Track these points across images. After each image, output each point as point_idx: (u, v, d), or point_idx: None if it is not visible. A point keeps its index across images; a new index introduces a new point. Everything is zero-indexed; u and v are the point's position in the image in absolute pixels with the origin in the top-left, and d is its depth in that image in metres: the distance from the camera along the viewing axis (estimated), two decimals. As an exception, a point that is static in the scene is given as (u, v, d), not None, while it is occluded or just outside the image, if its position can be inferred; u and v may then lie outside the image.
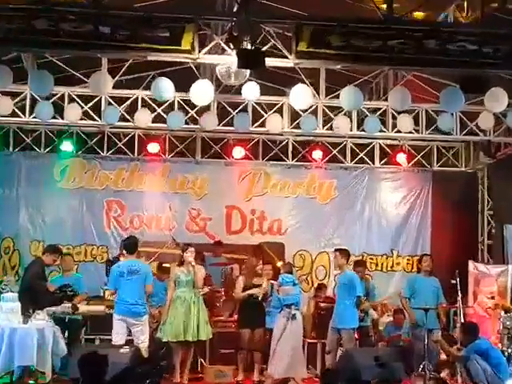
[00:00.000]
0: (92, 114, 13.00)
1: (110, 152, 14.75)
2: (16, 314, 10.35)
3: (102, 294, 12.88)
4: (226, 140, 14.85)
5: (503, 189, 14.94)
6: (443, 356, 11.65)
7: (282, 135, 14.51)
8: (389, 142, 14.93)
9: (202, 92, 11.02)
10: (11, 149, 14.57)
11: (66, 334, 11.13)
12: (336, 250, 12.36)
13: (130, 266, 10.85)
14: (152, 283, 11.01)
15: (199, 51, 10.03)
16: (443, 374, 11.45)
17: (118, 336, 10.68)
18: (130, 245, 11.30)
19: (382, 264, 15.15)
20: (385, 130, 13.56)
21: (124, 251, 11.58)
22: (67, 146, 14.40)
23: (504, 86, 11.08)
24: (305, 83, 11.79)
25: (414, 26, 10.42)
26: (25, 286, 11.15)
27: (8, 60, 11.04)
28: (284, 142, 15.02)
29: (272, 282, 11.80)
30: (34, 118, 12.94)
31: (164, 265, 12.94)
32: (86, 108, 12.89)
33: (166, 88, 11.24)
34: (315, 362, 12.31)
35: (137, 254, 11.36)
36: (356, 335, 11.94)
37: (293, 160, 15.14)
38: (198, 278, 11.28)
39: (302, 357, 11.71)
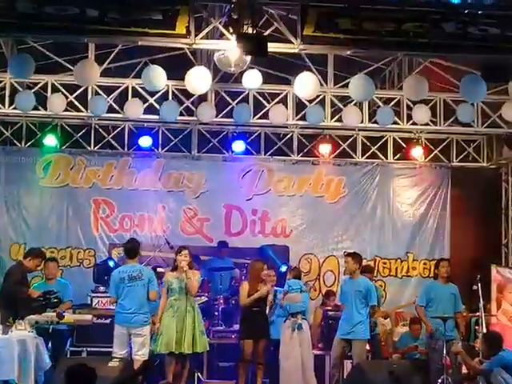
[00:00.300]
0: (78, 105, 12.97)
1: (98, 147, 14.74)
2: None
3: (89, 302, 12.82)
4: (224, 133, 14.87)
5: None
6: (464, 369, 11.67)
7: (286, 128, 14.53)
8: (403, 135, 14.89)
9: (199, 80, 11.05)
10: (-12, 143, 14.57)
11: (50, 345, 11.18)
12: (348, 255, 12.34)
13: (131, 271, 10.85)
14: (157, 290, 10.96)
15: (195, 36, 10.06)
16: (465, 389, 11.45)
17: (119, 349, 10.69)
18: (131, 249, 11.27)
19: (396, 269, 15.14)
20: (399, 121, 13.55)
21: (124, 256, 11.61)
22: (50, 139, 14.39)
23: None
24: (311, 71, 11.81)
25: (432, 7, 10.44)
26: (4, 293, 11.13)
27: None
28: (288, 136, 15.04)
29: (276, 288, 11.82)
30: (15, 109, 12.91)
31: (158, 269, 12.93)
32: (70, 98, 12.86)
33: (158, 76, 11.26)
34: (323, 376, 12.27)
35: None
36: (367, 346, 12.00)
37: (298, 155, 15.17)
38: (191, 284, 11.11)
39: (312, 372, 11.74)
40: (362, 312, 11.49)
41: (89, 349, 12.02)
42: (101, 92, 12.80)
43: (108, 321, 11.66)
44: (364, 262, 14.33)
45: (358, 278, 11.78)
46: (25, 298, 10.82)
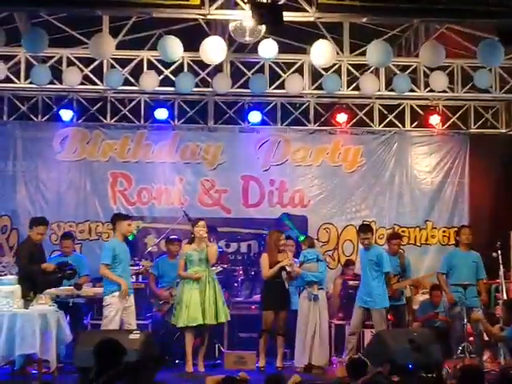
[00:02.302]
0: (93, 78, 12.98)
1: (114, 120, 14.75)
2: (16, 299, 10.43)
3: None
4: (240, 104, 14.85)
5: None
6: (485, 337, 11.67)
7: (302, 97, 14.48)
8: (421, 102, 14.82)
9: (214, 50, 11.04)
10: (5, 118, 14.59)
11: (68, 318, 11.24)
12: (358, 229, 12.58)
13: None
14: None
15: (209, 6, 10.05)
16: (485, 357, 11.44)
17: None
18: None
19: (415, 237, 15.10)
20: (416, 89, 13.48)
21: None
22: (67, 113, 14.45)
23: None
24: (327, 39, 11.74)
25: (448, -29, 10.36)
26: (19, 269, 11.24)
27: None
28: (305, 105, 14.98)
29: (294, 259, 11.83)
30: (30, 83, 12.89)
31: (171, 237, 12.92)
32: (86, 71, 12.85)
33: (173, 47, 11.24)
34: (343, 345, 12.29)
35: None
36: (390, 316, 12.02)
37: (315, 124, 15.12)
38: (211, 254, 11.27)
39: (326, 344, 11.84)
40: (377, 280, 11.59)
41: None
42: (116, 65, 12.78)
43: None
44: (383, 231, 14.52)
45: (372, 246, 11.87)
46: (37, 273, 10.83)
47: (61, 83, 12.89)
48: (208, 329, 11.30)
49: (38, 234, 11.40)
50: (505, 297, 12.12)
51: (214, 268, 11.84)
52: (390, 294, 11.93)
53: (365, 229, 12.18)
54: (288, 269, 11.55)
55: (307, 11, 10.20)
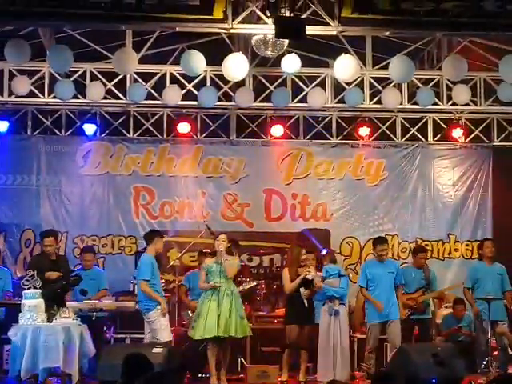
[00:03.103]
0: (116, 93, 13.08)
1: (137, 134, 14.77)
2: (40, 312, 10.46)
3: (131, 289, 12.90)
4: (263, 118, 14.81)
5: None
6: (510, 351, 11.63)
7: (324, 111, 14.46)
8: (443, 115, 14.75)
9: (236, 65, 11.07)
10: (29, 132, 14.63)
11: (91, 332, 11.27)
12: (373, 241, 12.56)
13: None
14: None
15: (232, 20, 10.06)
16: (510, 371, 11.36)
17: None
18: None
19: (438, 251, 15.02)
20: (439, 102, 13.49)
21: None
22: (90, 128, 14.48)
23: None
24: (349, 53, 11.74)
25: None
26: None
27: (24, 35, 11.12)
28: (327, 119, 14.93)
29: (318, 274, 11.83)
30: (54, 97, 13.04)
31: (204, 250, 12.92)
32: (109, 86, 12.97)
33: (196, 62, 11.29)
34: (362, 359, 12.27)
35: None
36: (415, 330, 12.02)
37: (337, 138, 15.08)
38: (228, 265, 11.16)
39: (347, 358, 11.76)
40: (394, 293, 11.62)
41: (132, 335, 12.12)
42: (139, 79, 12.85)
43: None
44: (406, 245, 14.48)
45: (386, 260, 11.91)
46: (43, 282, 10.82)
47: (84, 98, 13.02)
48: (228, 342, 11.27)
49: (46, 245, 11.38)
50: (529, 311, 12.06)
51: (245, 283, 11.98)
52: (415, 308, 11.94)
53: (382, 241, 12.24)
54: (309, 277, 11.54)
55: (330, 25, 10.21)
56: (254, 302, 13.01)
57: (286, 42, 10.71)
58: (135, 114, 14.58)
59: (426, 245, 14.66)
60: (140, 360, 7.10)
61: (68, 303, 11.23)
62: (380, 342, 11.91)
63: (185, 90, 12.96)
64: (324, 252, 13.22)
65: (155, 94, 13.01)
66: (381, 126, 14.93)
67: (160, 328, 10.88)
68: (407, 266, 12.74)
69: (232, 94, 13.15)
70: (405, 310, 11.88)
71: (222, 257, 11.17)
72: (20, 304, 10.53)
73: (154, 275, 11.04)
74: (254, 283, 12.91)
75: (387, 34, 11.11)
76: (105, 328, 12.09)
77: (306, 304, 11.63)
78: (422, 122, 15.00)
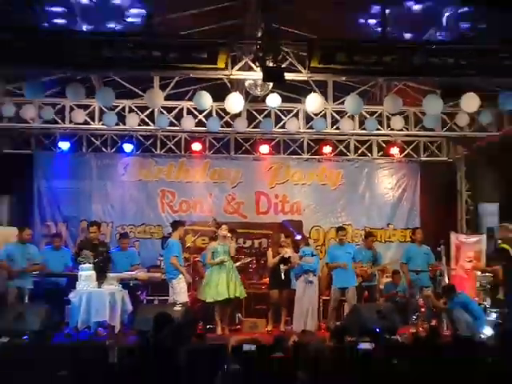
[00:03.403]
0: (147, 121, 13.04)
1: (163, 151, 14.72)
2: (92, 281, 10.48)
3: (158, 264, 12.93)
4: (254, 139, 14.76)
5: (478, 174, 14.89)
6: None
7: (298, 134, 14.36)
8: (384, 138, 14.73)
9: (234, 102, 11.04)
10: (84, 150, 14.58)
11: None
12: (336, 229, 12.86)
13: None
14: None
15: (231, 69, 10.07)
16: (432, 323, 11.38)
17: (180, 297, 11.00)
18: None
19: (381, 236, 14.97)
20: (381, 128, 13.44)
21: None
22: (128, 147, 14.46)
23: (476, 91, 11.00)
24: (316, 92, 11.75)
25: (404, 44, 10.36)
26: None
27: (80, 79, 11.12)
28: (300, 140, 14.89)
29: (294, 254, 11.89)
30: (102, 125, 13.04)
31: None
32: (142, 116, 12.95)
33: (205, 99, 11.26)
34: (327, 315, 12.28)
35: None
36: (366, 294, 12.07)
37: (308, 154, 15.01)
38: (232, 247, 11.50)
39: (316, 314, 11.86)
40: (349, 267, 11.85)
41: (159, 298, 12.11)
42: (164, 111, 12.82)
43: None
44: (358, 231, 14.55)
45: (345, 244, 12.21)
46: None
47: (124, 125, 12.99)
48: (231, 303, 11.31)
49: (91, 232, 11.60)
50: (446, 279, 12.07)
51: (242, 260, 12.01)
52: (366, 277, 11.98)
53: (342, 229, 12.49)
54: (286, 256, 11.66)
55: (302, 72, 10.23)
56: (247, 273, 13.00)
57: (271, 84, 10.72)
58: (161, 136, 14.55)
59: (372, 232, 14.67)
60: (165, 316, 7.20)
61: (113, 274, 11.23)
62: (339, 302, 11.96)
63: (197, 120, 12.93)
64: (298, 237, 13.23)
65: (175, 122, 12.98)
66: (339, 145, 14.90)
67: (180, 292, 10.94)
68: (359, 247, 12.73)
69: (231, 122, 13.10)
70: (358, 278, 11.94)
71: (228, 240, 11.31)
72: (77, 275, 10.58)
73: (179, 252, 11.22)
74: (249, 259, 12.94)
75: (343, 78, 11.11)
76: (139, 292, 12.09)
77: (284, 276, 11.68)
78: (368, 143, 14.97)
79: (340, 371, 5.64)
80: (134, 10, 10.65)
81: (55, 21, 10.41)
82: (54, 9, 10.28)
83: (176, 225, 11.63)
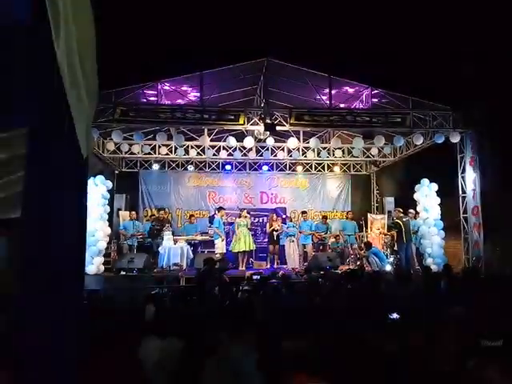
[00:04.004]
0: (201, 153, 12.95)
1: (210, 169, 14.55)
2: (170, 241, 10.43)
3: (207, 231, 12.82)
4: (259, 163, 14.57)
5: (382, 181, 14.77)
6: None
7: (283, 160, 14.25)
8: (331, 161, 14.55)
9: (249, 142, 11.00)
10: (166, 169, 14.39)
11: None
12: (301, 212, 12.46)
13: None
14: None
15: (247, 124, 9.99)
16: (358, 263, 11.32)
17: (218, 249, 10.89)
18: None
19: (329, 215, 14.77)
20: (329, 156, 13.35)
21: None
22: (191, 167, 14.31)
23: (382, 134, 10.91)
24: (293, 136, 11.69)
25: (341, 110, 10.28)
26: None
27: (164, 130, 11.10)
28: (285, 163, 14.73)
29: (284, 225, 11.78)
30: (176, 155, 12.95)
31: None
32: (198, 150, 12.85)
33: (232, 141, 11.23)
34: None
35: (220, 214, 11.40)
36: (321, 247, 11.93)
37: (289, 170, 14.87)
38: (248, 222, 11.32)
39: (297, 258, 11.65)
40: (307, 233, 11.56)
41: (208, 250, 11.95)
42: (210, 148, 12.69)
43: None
44: (316, 214, 14.36)
45: (307, 220, 11.92)
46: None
47: (188, 155, 12.94)
48: (247, 252, 11.22)
49: (160, 215, 11.75)
50: (365, 239, 11.97)
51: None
52: (320, 239, 11.88)
53: (304, 212, 12.35)
54: (277, 228, 11.51)
55: (286, 125, 10.15)
56: (256, 236, 12.87)
57: (268, 132, 10.67)
58: (209, 161, 14.36)
59: (325, 213, 14.56)
60: (210, 259, 7.12)
61: (182, 237, 11.17)
62: (304, 252, 11.78)
63: (228, 152, 12.82)
64: (284, 216, 13.14)
65: (216, 153, 12.86)
66: (306, 165, 14.75)
67: (219, 246, 10.84)
68: (317, 223, 12.62)
69: (247, 153, 13.00)
70: (315, 240, 11.82)
71: (247, 218, 11.19)
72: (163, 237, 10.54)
73: (220, 225, 10.99)
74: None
75: (309, 129, 11.06)
76: (197, 247, 12.03)
77: (275, 237, 11.58)
78: (322, 164, 14.78)
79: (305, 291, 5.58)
80: (193, 93, 10.66)
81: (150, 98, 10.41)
82: (149, 92, 10.29)
83: (220, 209, 11.60)
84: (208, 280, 6.17)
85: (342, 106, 10.85)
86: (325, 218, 12.86)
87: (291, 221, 12.43)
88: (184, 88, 10.51)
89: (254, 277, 7.70)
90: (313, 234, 11.79)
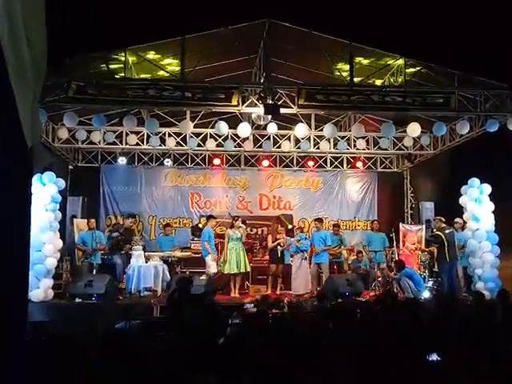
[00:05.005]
0: (181, 143, 13.00)
1: (192, 164, 14.61)
2: (141, 258, 10.45)
3: (189, 246, 12.85)
4: (258, 156, 14.69)
5: (419, 181, 14.82)
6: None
7: (289, 153, 14.34)
8: (352, 155, 14.62)
9: (244, 129, 11.03)
10: (136, 164, 14.52)
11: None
12: (314, 220, 12.43)
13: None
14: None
15: (242, 105, 10.02)
16: (387, 288, 11.33)
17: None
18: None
19: (349, 225, 14.92)
20: (349, 148, 13.42)
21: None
22: (168, 161, 14.43)
23: (418, 121, 10.98)
24: (303, 122, 11.71)
25: (365, 87, 10.33)
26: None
27: (133, 113, 11.10)
28: (291, 157, 14.82)
29: (288, 238, 11.76)
30: (149, 145, 13.02)
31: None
32: (178, 139, 12.91)
33: (223, 127, 11.25)
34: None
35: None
36: (336, 267, 11.97)
37: (296, 167, 14.94)
38: (243, 234, 11.35)
39: (309, 281, 11.63)
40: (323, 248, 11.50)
41: (190, 270, 12.01)
42: (193, 136, 12.81)
43: (199, 255, 11.62)
44: (332, 222, 14.40)
45: (320, 231, 11.86)
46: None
47: (165, 145, 12.97)
48: (240, 274, 11.20)
49: (128, 223, 11.50)
50: (396, 257, 12.01)
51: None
52: (335, 255, 11.91)
53: (319, 220, 12.25)
54: (281, 244, 11.50)
55: (292, 108, 10.16)
56: (253, 252, 12.90)
57: (270, 116, 10.68)
58: (191, 154, 14.45)
59: (343, 222, 14.60)
60: (183, 278, 7.13)
61: (156, 253, 11.20)
62: (319, 273, 11.79)
63: (217, 142, 12.90)
64: (290, 226, 13.20)
65: (201, 143, 12.95)
66: (319, 160, 14.82)
67: (210, 265, 10.82)
68: (331, 234, 12.64)
69: (242, 143, 13.08)
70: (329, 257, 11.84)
71: (241, 228, 11.22)
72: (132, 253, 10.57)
73: (211, 238, 11.04)
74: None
75: (322, 112, 11.10)
76: (175, 266, 12.04)
77: (279, 254, 11.57)
78: (340, 159, 14.86)
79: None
80: (171, 65, 10.69)
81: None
82: (114, 63, 10.30)
83: (209, 217, 11.64)
84: (187, 306, 6.15)
85: (365, 82, 10.88)
86: (336, 226, 12.91)
87: (302, 231, 12.41)
88: (159, 57, 10.51)
89: (248, 305, 7.64)
90: (328, 250, 11.76)
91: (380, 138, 13.02)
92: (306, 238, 11.93)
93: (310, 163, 14.71)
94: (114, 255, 10.85)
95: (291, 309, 6.56)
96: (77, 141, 12.72)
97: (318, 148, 13.23)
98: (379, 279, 11.48)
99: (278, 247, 11.60)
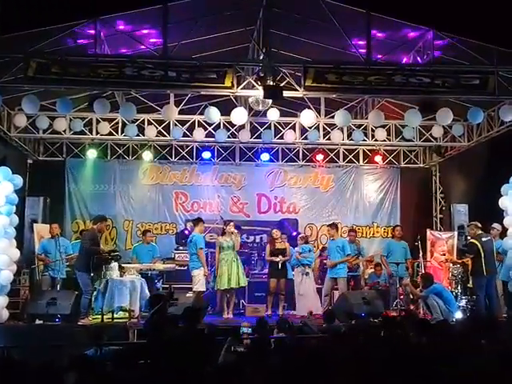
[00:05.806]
0: (164, 132, 13.02)
1: (177, 158, 14.66)
2: (115, 271, 10.42)
3: (172, 256, 12.86)
4: (256, 148, 14.73)
5: (450, 179, 14.86)
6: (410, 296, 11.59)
7: (294, 144, 14.37)
8: (369, 147, 14.69)
9: (239, 116, 11.03)
10: (109, 157, 14.57)
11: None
12: (327, 226, 12.42)
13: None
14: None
15: (237, 87, 10.00)
16: (412, 308, 11.34)
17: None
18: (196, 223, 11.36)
19: (366, 232, 14.96)
20: (366, 139, 13.44)
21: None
22: (148, 155, 14.44)
23: (449, 106, 10.97)
24: (310, 108, 11.71)
25: (385, 66, 10.32)
26: (80, 249, 10.50)
27: (105, 96, 11.06)
28: (296, 149, 14.87)
29: (294, 248, 11.80)
30: (124, 136, 13.03)
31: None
32: (159, 128, 12.94)
33: (214, 114, 11.27)
34: (320, 301, 12.16)
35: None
36: (351, 282, 11.99)
37: (303, 161, 14.99)
38: (237, 242, 11.28)
39: (318, 299, 11.65)
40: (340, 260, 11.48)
41: (173, 286, 12.01)
42: (178, 124, 12.84)
43: (185, 268, 11.62)
44: (345, 228, 14.37)
45: (337, 238, 11.78)
46: (96, 253, 10.20)
47: (143, 135, 13.01)
48: (234, 290, 11.20)
49: (102, 226, 10.97)
50: (422, 270, 12.03)
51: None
52: (351, 268, 11.92)
53: (333, 225, 12.12)
54: (282, 260, 11.53)
55: (298, 90, 10.15)
56: (250, 264, 12.95)
57: (270, 101, 10.68)
58: (176, 146, 14.51)
59: (358, 229, 14.61)
60: (158, 296, 7.16)
61: (132, 265, 11.20)
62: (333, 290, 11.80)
63: (206, 131, 12.94)
64: (294, 233, 13.22)
65: (188, 133, 12.99)
66: (330, 154, 14.86)
67: (198, 281, 10.74)
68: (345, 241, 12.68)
69: (236, 133, 13.11)
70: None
71: (234, 235, 11.20)
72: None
73: (204, 246, 11.01)
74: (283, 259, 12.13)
75: (334, 96, 11.12)
76: (156, 281, 12.04)
77: (280, 266, 11.60)
78: (355, 152, 14.94)
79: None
80: (152, 38, 10.68)
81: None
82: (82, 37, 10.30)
83: (197, 221, 11.47)
84: (169, 327, 6.15)
85: (386, 59, 10.89)
86: (353, 232, 12.97)
87: (307, 242, 12.44)
88: (137, 29, 10.50)
89: (244, 329, 7.62)
90: (347, 261, 11.70)
91: (403, 126, 13.03)
92: (310, 250, 11.97)
93: (319, 157, 14.76)
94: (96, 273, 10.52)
95: (293, 333, 6.58)
96: (37, 130, 12.72)
97: (329, 139, 13.25)
98: (401, 297, 11.48)
99: (279, 258, 11.60)
